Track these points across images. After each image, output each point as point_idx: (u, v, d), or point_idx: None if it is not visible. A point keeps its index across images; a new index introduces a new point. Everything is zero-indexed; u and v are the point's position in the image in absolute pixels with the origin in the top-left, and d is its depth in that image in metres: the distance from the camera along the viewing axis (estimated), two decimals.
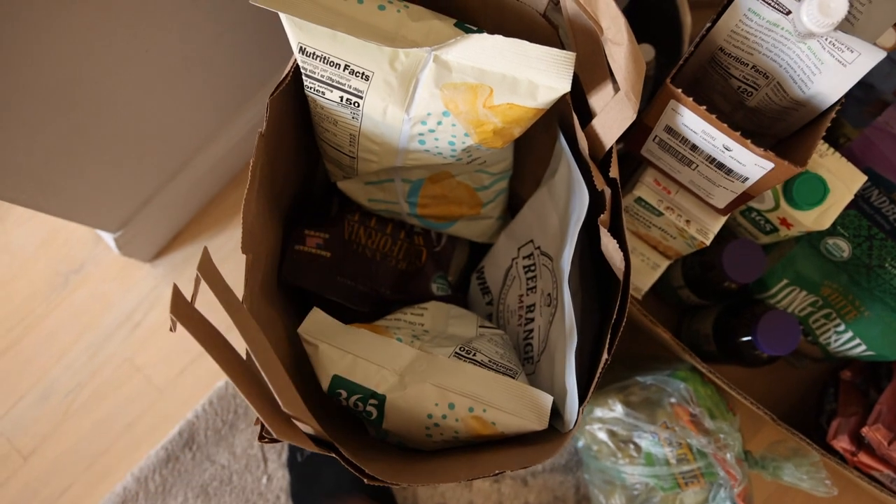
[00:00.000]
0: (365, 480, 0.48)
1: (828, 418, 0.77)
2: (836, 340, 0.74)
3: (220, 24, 0.69)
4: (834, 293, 0.72)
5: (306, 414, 0.45)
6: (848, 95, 0.74)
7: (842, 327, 0.73)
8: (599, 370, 0.48)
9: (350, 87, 0.51)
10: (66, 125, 0.62)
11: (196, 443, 0.84)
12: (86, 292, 0.89)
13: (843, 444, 0.72)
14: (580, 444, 0.77)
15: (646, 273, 0.73)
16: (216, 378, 0.87)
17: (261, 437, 0.49)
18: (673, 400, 0.71)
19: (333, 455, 0.48)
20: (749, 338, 0.68)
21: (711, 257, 0.69)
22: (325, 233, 0.67)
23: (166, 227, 0.86)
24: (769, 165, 0.50)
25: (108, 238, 0.83)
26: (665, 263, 0.72)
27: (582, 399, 0.50)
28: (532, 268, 0.66)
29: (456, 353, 0.57)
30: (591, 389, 0.49)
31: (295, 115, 0.57)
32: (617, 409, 0.73)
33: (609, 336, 0.49)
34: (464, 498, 0.84)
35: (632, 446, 0.73)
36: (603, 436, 0.74)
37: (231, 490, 0.84)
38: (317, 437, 0.48)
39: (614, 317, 0.49)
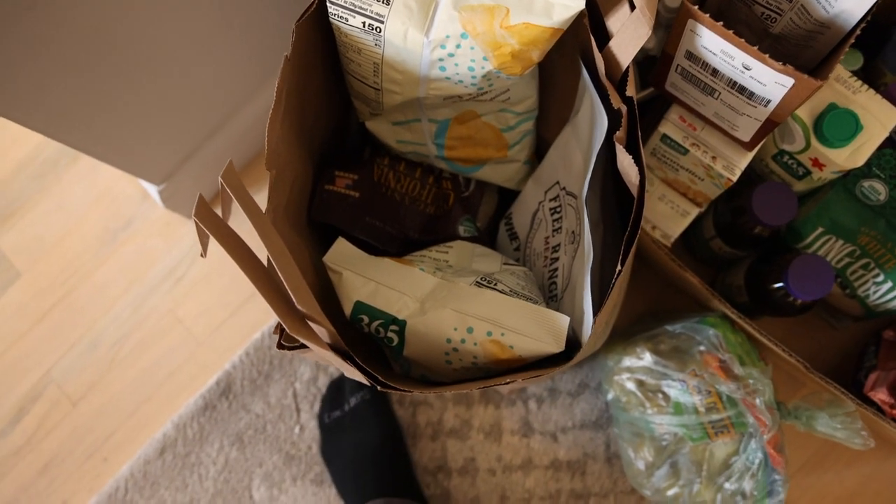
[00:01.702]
0: (378, 387, 0.50)
1: (866, 373, 0.75)
2: (875, 292, 0.72)
3: None
4: (872, 241, 0.70)
5: (320, 313, 0.46)
6: (888, 41, 0.72)
7: (881, 277, 0.71)
8: (614, 280, 0.48)
9: (371, 11, 0.52)
10: (108, 69, 0.66)
11: (233, 392, 0.87)
12: (133, 247, 0.93)
13: (881, 395, 0.70)
14: (609, 396, 0.77)
15: (675, 220, 0.72)
16: (253, 330, 0.90)
17: (279, 345, 0.51)
18: (702, 348, 0.70)
19: (348, 362, 0.49)
20: (781, 284, 0.67)
21: (741, 202, 0.68)
22: (355, 174, 0.68)
23: (208, 182, 0.89)
24: (789, 82, 0.50)
25: (153, 193, 0.87)
26: (695, 211, 0.72)
27: (596, 311, 0.50)
28: (558, 209, 0.66)
29: (477, 282, 0.58)
30: (606, 299, 0.49)
31: (323, 51, 0.59)
32: (646, 358, 0.72)
33: (623, 247, 0.49)
34: (493, 453, 0.84)
35: (660, 395, 0.72)
36: (631, 386, 0.73)
37: (265, 439, 0.86)
38: (333, 345, 0.49)
39: (629, 229, 0.49)
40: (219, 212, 0.84)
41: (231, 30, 0.73)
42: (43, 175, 0.96)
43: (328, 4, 0.53)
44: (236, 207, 0.87)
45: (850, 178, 0.69)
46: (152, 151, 0.78)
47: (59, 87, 0.63)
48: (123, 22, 0.63)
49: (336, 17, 0.54)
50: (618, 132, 0.50)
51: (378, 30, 0.53)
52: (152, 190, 0.86)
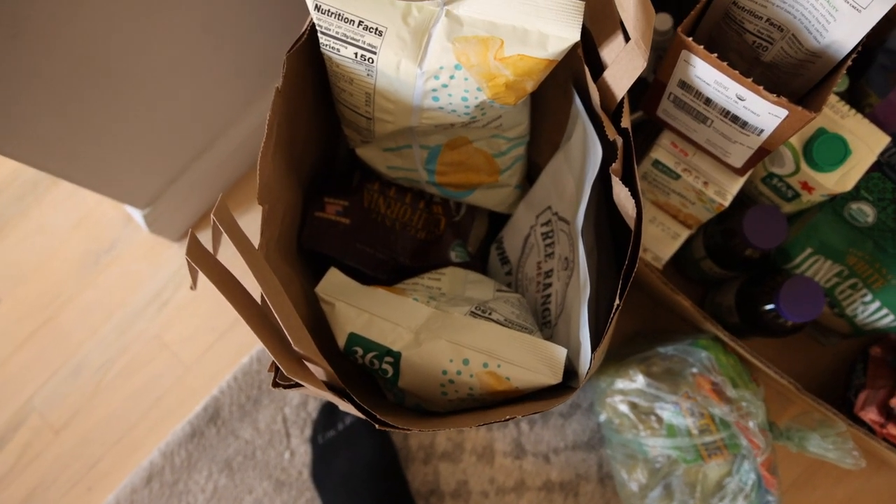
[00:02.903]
0: (376, 426, 0.49)
1: (855, 391, 0.75)
2: (863, 312, 0.73)
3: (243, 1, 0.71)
4: (860, 262, 0.71)
5: (317, 354, 0.45)
6: (872, 63, 0.73)
7: (868, 297, 0.71)
8: (612, 316, 0.48)
9: (364, 42, 0.52)
10: (93, 97, 0.64)
11: (221, 418, 0.86)
12: (117, 271, 0.91)
13: (871, 415, 0.70)
14: (602, 418, 0.76)
15: (666, 243, 0.72)
16: (241, 354, 0.89)
17: (275, 384, 0.50)
18: (695, 370, 0.70)
19: (345, 400, 0.48)
20: (772, 306, 0.68)
21: (732, 224, 0.69)
22: (345, 200, 0.68)
23: (194, 206, 0.88)
24: (783, 113, 0.50)
25: (137, 217, 0.85)
26: (685, 233, 0.72)
27: (594, 347, 0.50)
28: (550, 234, 0.66)
29: (472, 311, 0.58)
30: (605, 336, 0.49)
31: (314, 79, 0.59)
32: (638, 381, 0.72)
33: (622, 281, 0.49)
34: (485, 475, 0.84)
35: (653, 418, 0.72)
36: (624, 408, 0.73)
37: (254, 465, 0.85)
38: (329, 383, 0.49)
39: (626, 263, 0.49)
40: (205, 237, 0.81)
41: (216, 54, 0.72)
42: (22, 197, 0.94)
43: (319, 35, 0.52)
44: (225, 240, 0.86)
45: (838, 201, 0.70)
46: (137, 176, 0.77)
47: (41, 115, 0.61)
48: (108, 48, 0.62)
49: (328, 48, 0.53)
50: (614, 164, 0.50)
51: (370, 60, 0.52)
52: (136, 214, 0.84)
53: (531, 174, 0.73)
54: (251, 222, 0.91)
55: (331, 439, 0.82)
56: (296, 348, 0.45)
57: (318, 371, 0.47)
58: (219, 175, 0.88)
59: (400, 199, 0.70)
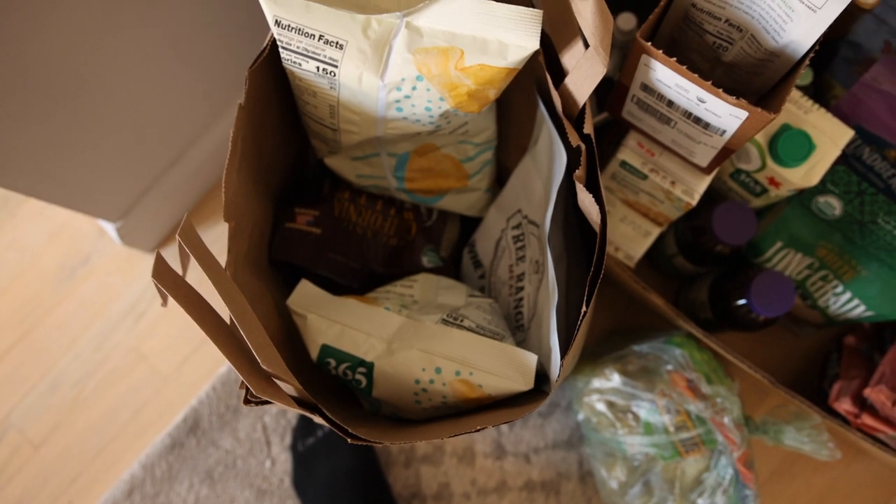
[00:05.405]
0: (348, 440, 0.49)
1: (830, 382, 0.76)
2: (834, 303, 0.73)
3: (207, 12, 0.70)
4: (829, 253, 0.71)
5: (286, 372, 0.45)
6: (836, 55, 0.74)
7: (840, 288, 0.72)
8: (579, 322, 0.48)
9: (325, 56, 0.52)
10: (60, 113, 0.64)
11: (201, 428, 0.86)
12: (92, 284, 0.91)
13: (845, 406, 0.71)
14: (580, 417, 0.77)
15: (638, 241, 0.72)
16: (219, 364, 0.89)
17: (246, 401, 0.50)
18: (670, 367, 0.71)
19: (316, 415, 0.48)
20: (744, 301, 0.68)
21: (702, 221, 0.69)
22: (316, 210, 0.68)
23: (166, 217, 0.87)
24: (743, 114, 0.50)
25: (110, 230, 0.85)
26: (656, 231, 0.72)
27: (563, 352, 0.51)
28: (521, 237, 0.66)
29: (443, 319, 0.58)
30: (573, 342, 0.49)
31: (278, 92, 0.58)
32: (614, 379, 0.72)
33: (588, 288, 0.49)
34: (466, 477, 0.84)
35: (630, 416, 0.72)
36: (601, 407, 0.74)
37: (236, 474, 0.85)
38: (300, 399, 0.49)
39: (592, 270, 0.49)
40: (177, 251, 0.81)
41: (182, 68, 0.72)
42: None
43: (281, 50, 0.52)
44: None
45: (805, 195, 0.71)
46: (107, 191, 0.76)
47: (7, 136, 0.61)
48: (75, 67, 0.61)
49: (289, 63, 0.53)
50: (577, 171, 0.50)
51: (332, 74, 0.52)
52: (109, 227, 0.84)
53: (501, 177, 0.73)
54: (223, 233, 0.91)
55: (311, 446, 0.83)
56: (264, 367, 0.45)
57: (288, 388, 0.47)
58: (190, 186, 0.87)
59: (371, 207, 0.70)
